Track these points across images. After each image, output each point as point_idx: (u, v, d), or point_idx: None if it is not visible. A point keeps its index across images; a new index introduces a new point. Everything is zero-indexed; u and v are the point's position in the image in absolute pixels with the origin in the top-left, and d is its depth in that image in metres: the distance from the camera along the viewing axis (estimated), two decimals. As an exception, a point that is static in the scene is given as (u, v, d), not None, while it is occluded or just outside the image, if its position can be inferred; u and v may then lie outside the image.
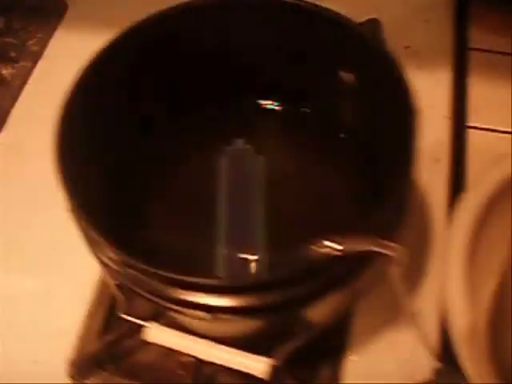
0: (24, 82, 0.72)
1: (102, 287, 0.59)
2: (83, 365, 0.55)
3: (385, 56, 0.49)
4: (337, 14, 0.52)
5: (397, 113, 0.47)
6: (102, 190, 0.53)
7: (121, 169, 0.56)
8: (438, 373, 0.52)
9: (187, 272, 0.40)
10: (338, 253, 0.40)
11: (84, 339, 0.57)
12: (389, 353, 0.55)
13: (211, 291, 0.41)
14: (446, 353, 0.53)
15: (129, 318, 0.51)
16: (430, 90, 0.66)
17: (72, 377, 0.55)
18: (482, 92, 0.69)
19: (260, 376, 0.48)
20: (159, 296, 0.43)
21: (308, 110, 0.61)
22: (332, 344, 0.55)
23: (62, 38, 0.77)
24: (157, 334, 0.50)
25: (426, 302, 0.57)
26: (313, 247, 0.40)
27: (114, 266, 0.44)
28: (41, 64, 0.75)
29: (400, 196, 0.45)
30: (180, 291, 0.42)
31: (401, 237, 0.46)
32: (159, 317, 0.52)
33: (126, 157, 0.57)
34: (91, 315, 0.58)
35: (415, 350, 0.54)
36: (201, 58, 0.58)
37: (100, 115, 0.54)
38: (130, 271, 0.43)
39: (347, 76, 0.55)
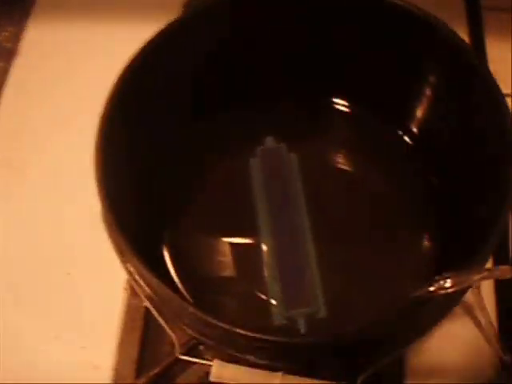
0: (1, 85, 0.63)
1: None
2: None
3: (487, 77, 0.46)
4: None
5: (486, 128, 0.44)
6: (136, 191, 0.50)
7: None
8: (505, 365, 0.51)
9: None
10: (450, 290, 0.37)
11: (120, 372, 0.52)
12: (450, 351, 0.53)
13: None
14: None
15: (188, 359, 0.47)
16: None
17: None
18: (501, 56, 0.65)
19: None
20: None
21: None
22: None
23: (35, 30, 0.67)
24: (223, 372, 0.45)
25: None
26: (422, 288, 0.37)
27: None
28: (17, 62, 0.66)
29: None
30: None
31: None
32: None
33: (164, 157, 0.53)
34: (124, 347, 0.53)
35: (478, 346, 0.51)
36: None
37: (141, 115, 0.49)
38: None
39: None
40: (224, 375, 0.45)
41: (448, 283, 0.36)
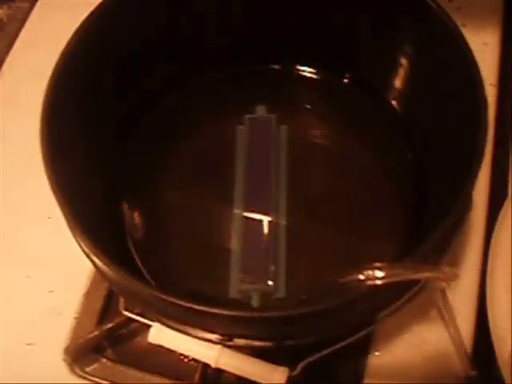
0: (21, 25, 0.63)
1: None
2: (80, 351, 0.51)
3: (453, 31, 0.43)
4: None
5: (463, 98, 0.40)
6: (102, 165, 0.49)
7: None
8: (470, 380, 0.48)
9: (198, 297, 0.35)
10: (380, 282, 0.34)
11: (81, 325, 0.52)
12: (417, 353, 0.50)
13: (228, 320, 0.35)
14: (480, 361, 0.49)
15: (130, 315, 0.46)
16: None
17: (69, 364, 0.51)
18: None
19: (276, 387, 0.43)
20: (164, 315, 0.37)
21: (348, 81, 0.54)
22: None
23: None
24: (161, 336, 0.44)
25: (461, 306, 0.51)
26: (351, 274, 0.34)
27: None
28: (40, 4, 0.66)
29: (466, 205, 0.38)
30: (193, 315, 0.36)
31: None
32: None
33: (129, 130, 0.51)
34: (90, 298, 0.53)
35: (446, 354, 0.50)
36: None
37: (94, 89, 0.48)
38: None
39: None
40: (162, 338, 0.44)
41: (379, 274, 0.34)
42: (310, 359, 0.43)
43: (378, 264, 0.34)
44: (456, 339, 0.48)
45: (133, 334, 0.52)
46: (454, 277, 0.37)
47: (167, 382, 0.51)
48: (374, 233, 0.49)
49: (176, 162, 0.53)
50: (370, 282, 0.34)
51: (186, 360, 0.51)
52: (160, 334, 0.44)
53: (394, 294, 0.38)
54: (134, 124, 0.52)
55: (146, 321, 0.45)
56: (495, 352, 0.45)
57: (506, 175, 0.56)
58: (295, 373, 0.43)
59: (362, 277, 0.34)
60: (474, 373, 0.48)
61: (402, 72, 0.51)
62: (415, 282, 0.38)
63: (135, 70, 0.50)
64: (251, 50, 0.53)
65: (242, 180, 0.51)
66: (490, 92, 0.60)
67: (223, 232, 0.50)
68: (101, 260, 0.37)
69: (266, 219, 0.49)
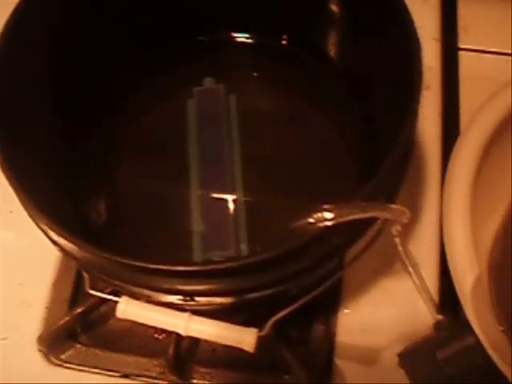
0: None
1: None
2: (54, 338, 0.51)
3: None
4: None
5: (395, 44, 0.41)
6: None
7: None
8: (439, 326, 0.49)
9: (153, 258, 0.35)
10: (329, 223, 0.34)
11: (53, 313, 0.52)
12: (385, 305, 0.51)
13: (184, 277, 0.36)
14: (446, 304, 0.50)
15: (96, 294, 0.46)
16: (415, 9, 0.59)
17: (44, 352, 0.51)
18: (473, 10, 0.63)
19: (245, 349, 0.43)
20: (123, 281, 0.38)
21: (287, 42, 0.54)
22: (324, 298, 0.51)
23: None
24: (129, 310, 0.44)
25: (423, 251, 0.52)
26: (300, 219, 0.35)
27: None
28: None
29: (406, 145, 0.39)
30: (147, 277, 0.36)
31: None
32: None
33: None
34: (58, 286, 0.53)
35: (414, 302, 0.50)
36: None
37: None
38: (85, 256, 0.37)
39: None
40: (129, 312, 0.44)
41: (328, 215, 0.34)
42: (277, 317, 0.43)
43: (326, 206, 0.34)
44: (420, 286, 0.48)
45: (105, 318, 0.52)
46: (404, 216, 0.37)
47: (142, 360, 0.51)
48: (329, 186, 0.50)
49: (129, 143, 0.53)
50: (319, 225, 0.34)
51: (160, 338, 0.52)
52: (127, 309, 0.44)
53: (346, 239, 0.38)
54: (82, 108, 0.51)
55: (112, 297, 0.45)
56: (457, 291, 0.45)
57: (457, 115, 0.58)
58: (264, 332, 0.43)
59: (311, 220, 0.34)
60: (439, 317, 0.49)
61: (336, 23, 0.51)
62: (367, 224, 0.38)
63: (79, 53, 0.50)
64: (184, 25, 0.53)
65: (196, 153, 0.51)
66: (434, 46, 0.61)
67: (182, 207, 0.50)
68: (60, 234, 0.37)
69: (223, 189, 0.50)
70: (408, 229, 0.53)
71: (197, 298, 0.37)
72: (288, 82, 0.54)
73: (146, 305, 0.44)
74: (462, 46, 0.61)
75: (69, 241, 0.37)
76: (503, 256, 0.49)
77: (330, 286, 0.44)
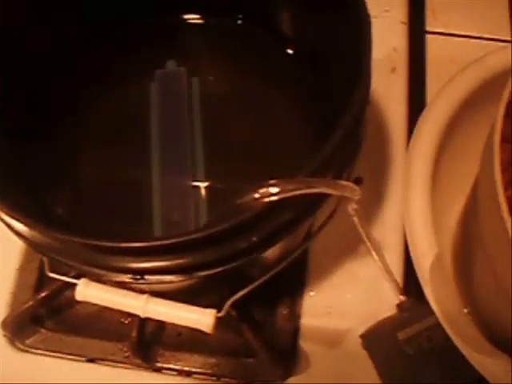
0: None
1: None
2: (18, 323, 0.51)
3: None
4: None
5: (347, 19, 0.40)
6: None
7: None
8: (402, 306, 0.49)
9: (105, 235, 0.34)
10: (275, 198, 0.34)
11: (18, 299, 0.52)
12: (350, 288, 0.52)
13: (137, 254, 0.35)
14: (410, 285, 0.50)
15: (56, 277, 0.46)
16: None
17: (8, 338, 0.51)
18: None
19: (204, 330, 0.43)
20: (77, 261, 0.37)
21: (242, 23, 0.54)
22: (289, 281, 0.51)
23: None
24: (88, 292, 0.44)
25: (387, 233, 0.52)
26: (246, 195, 0.34)
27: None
28: None
29: (355, 119, 0.38)
30: (100, 256, 0.36)
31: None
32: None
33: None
34: (23, 271, 0.53)
35: (378, 284, 0.51)
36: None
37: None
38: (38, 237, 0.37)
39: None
40: (88, 294, 0.44)
41: (274, 190, 0.34)
42: (236, 297, 0.43)
43: (272, 181, 0.34)
44: (383, 267, 0.48)
45: (71, 304, 0.52)
46: (354, 192, 0.37)
47: (108, 344, 0.51)
48: (291, 165, 0.49)
49: (91, 131, 0.52)
50: (265, 199, 0.34)
51: (126, 322, 0.52)
52: (87, 291, 0.44)
53: (296, 215, 0.38)
54: (43, 93, 0.51)
55: (71, 279, 0.45)
56: (416, 272, 0.45)
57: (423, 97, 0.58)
58: (222, 313, 0.43)
59: (257, 195, 0.34)
60: (402, 298, 0.49)
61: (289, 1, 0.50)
62: (318, 201, 0.38)
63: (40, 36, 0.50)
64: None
65: (158, 138, 0.51)
66: (402, 29, 0.61)
67: (145, 192, 0.50)
68: (8, 213, 0.37)
69: (184, 173, 0.50)
70: (373, 211, 0.53)
71: (147, 277, 0.37)
72: (247, 62, 0.53)
73: (106, 287, 0.44)
74: (430, 29, 0.61)
75: (17, 220, 0.37)
76: (466, 238, 0.49)
77: (290, 267, 0.44)
